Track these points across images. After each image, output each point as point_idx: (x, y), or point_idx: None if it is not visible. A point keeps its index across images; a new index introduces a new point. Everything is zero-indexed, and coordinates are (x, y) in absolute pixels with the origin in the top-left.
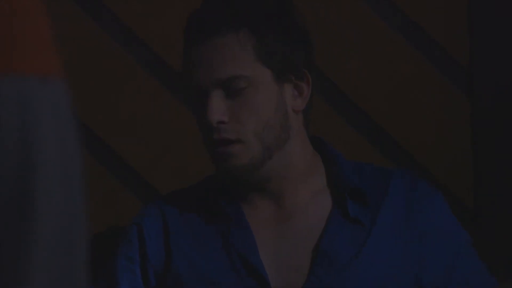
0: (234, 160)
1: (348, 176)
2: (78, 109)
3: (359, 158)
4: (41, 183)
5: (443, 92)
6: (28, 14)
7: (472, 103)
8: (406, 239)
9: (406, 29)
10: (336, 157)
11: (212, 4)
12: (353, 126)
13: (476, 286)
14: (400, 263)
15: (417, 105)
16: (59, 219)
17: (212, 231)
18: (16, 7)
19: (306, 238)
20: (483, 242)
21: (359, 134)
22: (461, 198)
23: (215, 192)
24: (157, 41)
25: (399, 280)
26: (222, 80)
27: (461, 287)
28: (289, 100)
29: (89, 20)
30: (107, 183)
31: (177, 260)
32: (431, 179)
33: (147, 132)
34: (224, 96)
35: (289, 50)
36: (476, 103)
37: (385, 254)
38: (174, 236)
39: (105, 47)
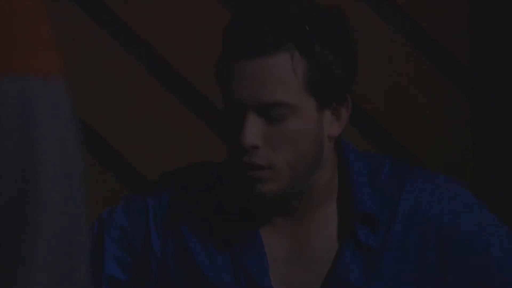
0: (261, 186)
1: (360, 199)
2: (78, 109)
3: None
4: (41, 183)
5: (443, 92)
6: (28, 14)
7: (473, 103)
8: (422, 255)
9: (406, 29)
10: (351, 177)
11: (264, 15)
12: (353, 125)
13: None
14: (415, 284)
15: (417, 105)
16: (59, 219)
17: (222, 243)
18: (16, 7)
19: (318, 262)
20: None
21: (360, 134)
22: None
23: (231, 204)
24: (157, 41)
25: None
26: (264, 104)
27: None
28: (326, 127)
29: (89, 20)
30: (107, 183)
31: (181, 256)
32: None
33: (147, 132)
34: (262, 119)
35: (337, 77)
36: (476, 103)
37: (398, 277)
38: (181, 231)
39: (105, 47)
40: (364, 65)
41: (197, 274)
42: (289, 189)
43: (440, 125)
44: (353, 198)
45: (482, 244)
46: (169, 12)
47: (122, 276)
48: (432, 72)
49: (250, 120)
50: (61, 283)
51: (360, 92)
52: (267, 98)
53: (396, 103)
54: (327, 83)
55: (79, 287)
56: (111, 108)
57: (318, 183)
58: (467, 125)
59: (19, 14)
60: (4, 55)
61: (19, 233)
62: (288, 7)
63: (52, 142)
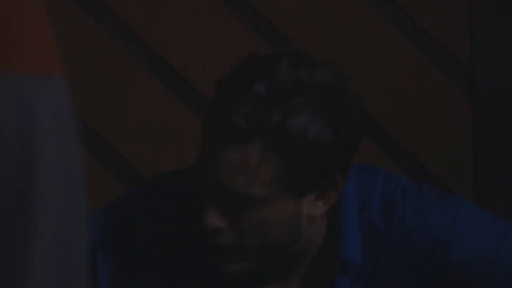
0: (231, 266)
1: (346, 248)
2: (78, 109)
3: (360, 157)
4: (41, 183)
5: (443, 91)
6: (28, 14)
7: (473, 102)
8: None
9: (406, 28)
10: (340, 225)
11: (247, 90)
12: None
13: None
14: None
15: (417, 104)
16: (59, 219)
17: None
18: (16, 7)
19: None
20: None
21: None
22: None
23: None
24: (157, 41)
25: None
26: (232, 193)
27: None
28: (308, 209)
29: (89, 20)
30: (107, 183)
31: None
32: (432, 178)
33: (147, 132)
34: (230, 202)
35: (323, 165)
36: (476, 102)
37: None
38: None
39: (105, 47)
40: (365, 64)
41: None
42: (264, 266)
43: (440, 125)
44: (339, 245)
45: (486, 268)
46: (169, 12)
47: None
48: (432, 72)
49: (216, 203)
50: (60, 283)
51: (361, 91)
52: (235, 188)
53: (396, 103)
54: (307, 177)
55: (79, 287)
56: (111, 108)
57: (306, 247)
58: (468, 124)
59: (19, 14)
60: (4, 55)
61: (19, 233)
62: (280, 66)
63: (52, 142)
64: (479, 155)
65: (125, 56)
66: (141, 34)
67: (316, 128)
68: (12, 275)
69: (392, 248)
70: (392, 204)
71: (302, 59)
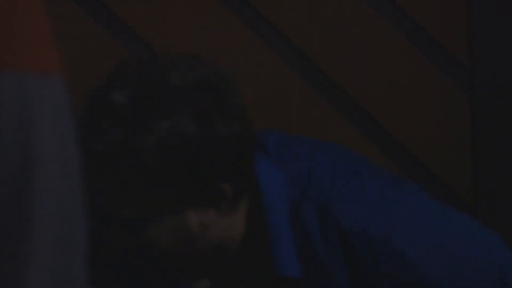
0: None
1: (281, 263)
2: (78, 108)
3: None
4: (40, 183)
5: (443, 91)
6: (28, 14)
7: (473, 102)
8: None
9: (406, 28)
10: (269, 229)
11: (103, 119)
12: (353, 124)
13: None
14: None
15: (417, 104)
16: (58, 218)
17: None
18: (16, 7)
19: None
20: None
21: (360, 133)
22: (461, 195)
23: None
24: (157, 41)
25: None
26: (106, 213)
27: None
28: (195, 217)
29: (89, 20)
30: None
31: None
32: (431, 177)
33: None
34: (111, 221)
35: (199, 178)
36: (476, 102)
37: None
38: None
39: (105, 47)
40: (365, 64)
41: None
42: (175, 268)
43: (440, 125)
44: (272, 256)
45: (431, 277)
46: (169, 12)
47: None
48: (432, 71)
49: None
50: (60, 283)
51: (360, 91)
52: (107, 211)
53: (396, 103)
54: (178, 192)
55: (78, 287)
56: None
57: (218, 245)
58: (467, 125)
59: (19, 14)
60: (4, 54)
61: (18, 233)
62: (146, 73)
63: (52, 142)
64: (478, 155)
65: (125, 56)
66: (141, 34)
67: (179, 140)
68: (12, 275)
69: (330, 256)
70: (328, 211)
71: (174, 62)
